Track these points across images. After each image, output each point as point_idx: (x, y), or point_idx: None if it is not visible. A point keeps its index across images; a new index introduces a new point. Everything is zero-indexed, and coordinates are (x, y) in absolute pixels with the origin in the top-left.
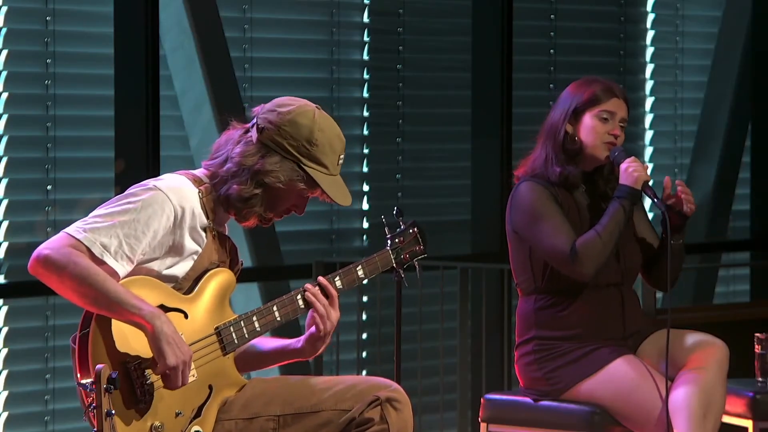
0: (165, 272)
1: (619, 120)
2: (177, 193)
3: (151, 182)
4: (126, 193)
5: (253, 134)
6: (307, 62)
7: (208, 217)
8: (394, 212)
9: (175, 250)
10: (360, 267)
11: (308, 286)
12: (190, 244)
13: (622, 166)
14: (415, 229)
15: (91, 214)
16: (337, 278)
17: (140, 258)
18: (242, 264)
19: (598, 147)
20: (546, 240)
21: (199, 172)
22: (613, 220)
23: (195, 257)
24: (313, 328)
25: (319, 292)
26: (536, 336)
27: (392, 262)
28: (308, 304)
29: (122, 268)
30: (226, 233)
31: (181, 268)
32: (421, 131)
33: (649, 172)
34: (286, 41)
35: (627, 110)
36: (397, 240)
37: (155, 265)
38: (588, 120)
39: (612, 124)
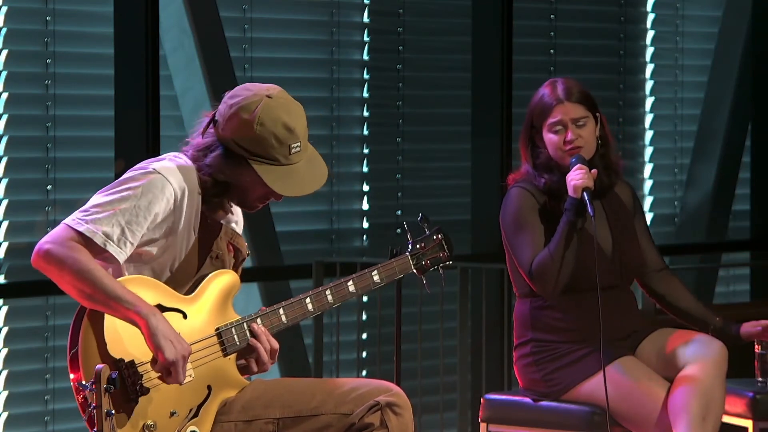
0: (163, 257)
1: (571, 122)
2: (176, 174)
3: (150, 165)
4: (125, 177)
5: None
6: (307, 62)
7: (203, 203)
8: (419, 218)
9: (173, 232)
10: (376, 272)
11: (254, 326)
12: (187, 227)
13: (567, 177)
14: (440, 235)
15: (90, 203)
16: (350, 282)
17: (139, 240)
18: (247, 255)
19: (562, 158)
20: (517, 252)
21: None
22: (562, 234)
23: (191, 241)
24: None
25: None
26: (533, 338)
27: (411, 267)
28: (320, 307)
29: (124, 254)
30: (231, 223)
31: (178, 252)
32: (421, 131)
33: (649, 171)
34: (286, 41)
35: (582, 105)
36: (418, 246)
37: (153, 249)
38: (545, 134)
39: (563, 133)
